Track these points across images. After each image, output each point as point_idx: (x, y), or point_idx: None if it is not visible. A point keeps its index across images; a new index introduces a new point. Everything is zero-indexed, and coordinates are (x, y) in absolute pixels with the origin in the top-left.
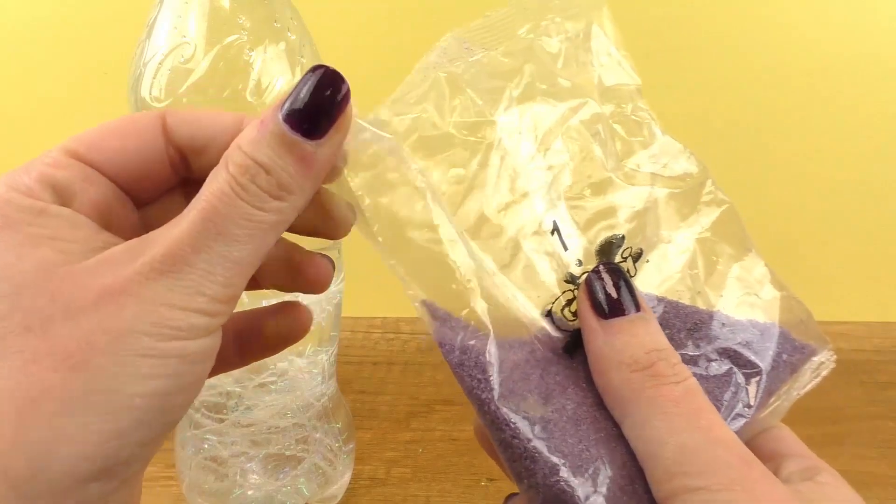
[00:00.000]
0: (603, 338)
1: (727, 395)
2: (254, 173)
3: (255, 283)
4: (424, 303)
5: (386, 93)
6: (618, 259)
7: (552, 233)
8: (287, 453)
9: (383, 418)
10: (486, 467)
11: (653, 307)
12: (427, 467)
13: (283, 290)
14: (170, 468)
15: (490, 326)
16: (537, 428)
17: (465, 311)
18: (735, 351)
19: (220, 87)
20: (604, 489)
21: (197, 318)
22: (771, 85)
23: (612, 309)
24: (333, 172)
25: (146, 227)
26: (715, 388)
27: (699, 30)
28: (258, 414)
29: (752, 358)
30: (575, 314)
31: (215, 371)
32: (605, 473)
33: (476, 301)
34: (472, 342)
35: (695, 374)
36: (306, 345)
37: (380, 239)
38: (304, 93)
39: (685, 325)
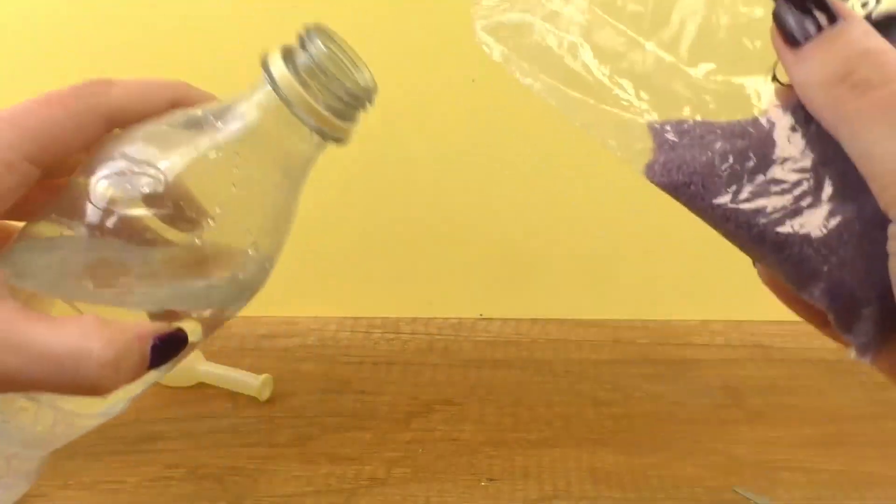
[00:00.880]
0: (798, 66)
1: None
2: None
3: None
4: (651, 126)
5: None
6: None
7: None
8: None
9: (383, 418)
10: (486, 467)
11: None
12: (427, 467)
13: None
14: (170, 468)
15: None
16: None
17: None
18: None
19: None
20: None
21: None
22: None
23: (801, 33)
24: None
25: None
26: None
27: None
28: None
29: None
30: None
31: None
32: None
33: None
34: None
35: None
36: None
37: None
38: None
39: None
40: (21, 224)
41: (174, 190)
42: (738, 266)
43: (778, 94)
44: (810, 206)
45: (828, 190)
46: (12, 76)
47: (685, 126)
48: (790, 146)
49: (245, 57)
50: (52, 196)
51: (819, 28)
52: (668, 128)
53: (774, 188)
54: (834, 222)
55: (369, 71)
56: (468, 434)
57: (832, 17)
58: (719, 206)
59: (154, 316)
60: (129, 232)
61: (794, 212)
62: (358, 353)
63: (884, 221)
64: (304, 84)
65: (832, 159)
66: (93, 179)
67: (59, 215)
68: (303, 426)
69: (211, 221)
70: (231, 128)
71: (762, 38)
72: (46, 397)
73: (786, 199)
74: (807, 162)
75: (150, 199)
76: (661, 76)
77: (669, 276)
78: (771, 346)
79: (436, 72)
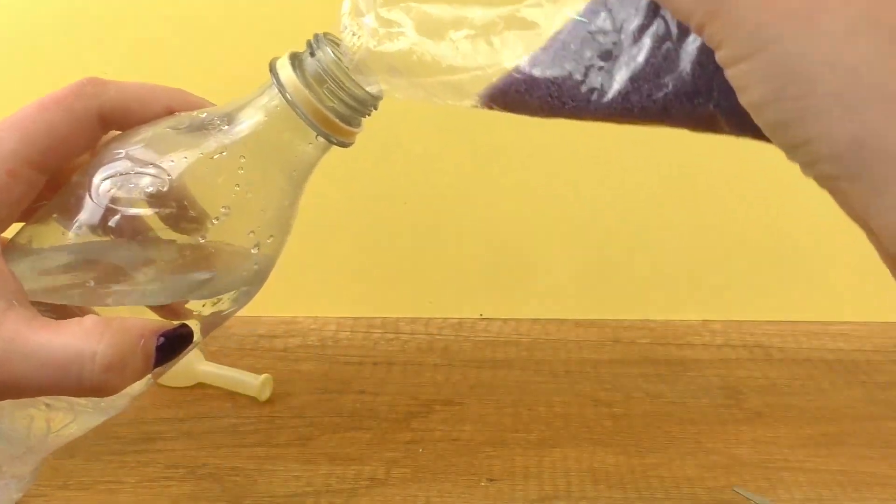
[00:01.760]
0: None
1: None
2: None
3: None
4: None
5: None
6: None
7: None
8: None
9: (383, 418)
10: (486, 467)
11: None
12: (427, 467)
13: None
14: (169, 468)
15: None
16: None
17: None
18: None
19: None
20: None
21: None
22: None
23: None
24: None
25: None
26: None
27: None
28: None
29: None
30: None
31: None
32: None
33: None
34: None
35: None
36: None
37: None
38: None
39: None
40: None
41: (178, 190)
42: (738, 266)
43: None
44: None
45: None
46: (8, 80)
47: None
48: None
49: (243, 65)
50: (53, 197)
51: None
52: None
53: (629, 62)
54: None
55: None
56: (468, 434)
57: None
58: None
59: (154, 311)
60: (133, 231)
61: (655, 73)
62: (358, 353)
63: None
64: (310, 88)
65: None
66: (96, 180)
67: (61, 216)
68: (303, 426)
69: (215, 221)
70: (236, 130)
71: None
72: (50, 400)
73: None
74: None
75: (154, 199)
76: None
77: (669, 276)
78: (771, 346)
79: None
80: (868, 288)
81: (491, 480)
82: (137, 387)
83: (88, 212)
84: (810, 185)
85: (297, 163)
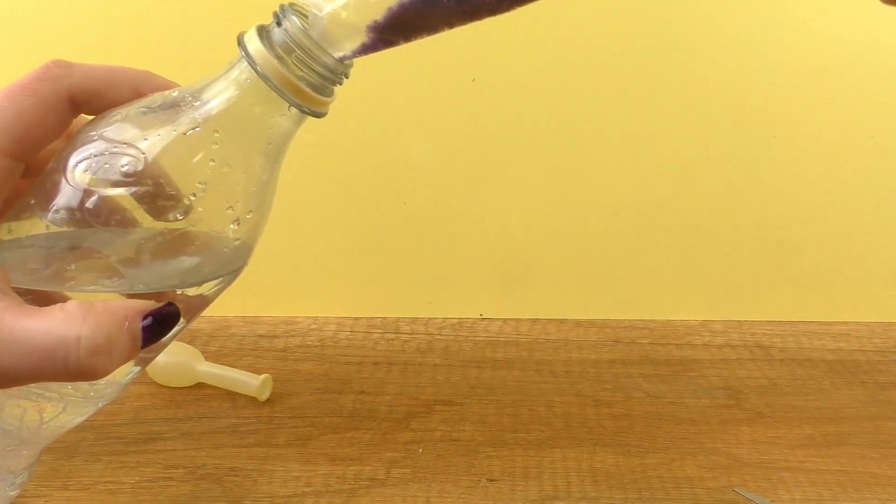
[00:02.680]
0: None
1: None
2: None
3: None
4: None
5: None
6: None
7: None
8: None
9: (383, 418)
10: (486, 467)
11: None
12: (427, 468)
13: None
14: (169, 468)
15: None
16: None
17: None
18: None
19: None
20: None
21: None
22: (771, 83)
23: None
24: None
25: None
26: None
27: (700, 26)
28: None
29: None
30: None
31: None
32: None
33: None
34: None
35: None
36: None
37: None
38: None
39: None
40: None
41: (154, 168)
42: (738, 266)
43: None
44: None
45: None
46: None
47: None
48: None
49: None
50: (31, 183)
51: None
52: None
53: None
54: None
55: None
56: (468, 434)
57: None
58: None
59: (136, 295)
60: (110, 212)
61: None
62: (358, 353)
63: None
64: (279, 59)
65: None
66: (71, 163)
67: (39, 202)
68: (302, 426)
69: (192, 198)
70: (209, 106)
71: None
72: (40, 389)
73: None
74: None
75: (130, 178)
76: None
77: (669, 276)
78: (771, 346)
79: (436, 72)
80: (868, 288)
81: (491, 481)
82: (125, 373)
83: (66, 196)
84: (810, 185)
85: (272, 136)
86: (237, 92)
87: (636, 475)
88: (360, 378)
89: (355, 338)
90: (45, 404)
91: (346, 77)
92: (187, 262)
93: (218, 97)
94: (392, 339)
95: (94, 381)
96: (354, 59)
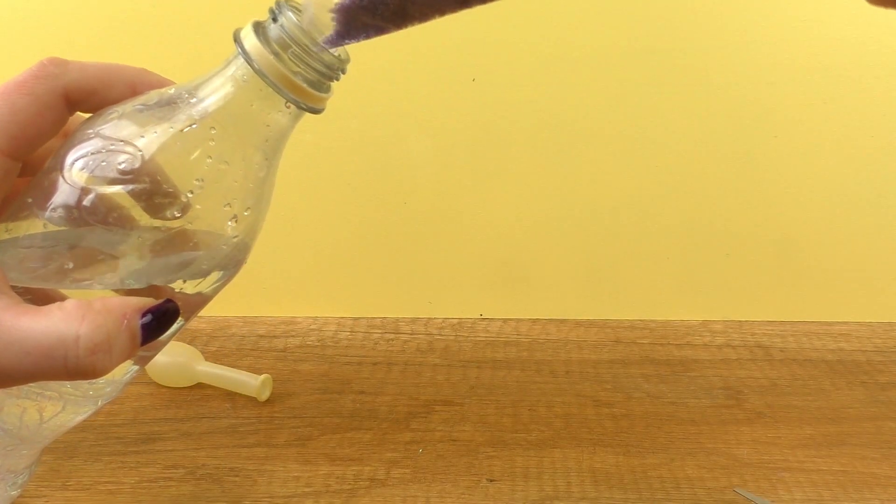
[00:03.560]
0: None
1: None
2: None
3: None
4: None
5: None
6: None
7: None
8: None
9: (383, 418)
10: (486, 467)
11: None
12: (427, 468)
13: None
14: (169, 469)
15: None
16: None
17: None
18: None
19: None
20: None
21: None
22: (771, 83)
23: None
24: None
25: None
26: None
27: (701, 26)
28: None
29: None
30: None
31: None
32: None
33: None
34: None
35: None
36: None
37: None
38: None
39: None
40: None
41: (151, 165)
42: (738, 266)
43: None
44: None
45: None
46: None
47: None
48: None
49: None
50: (28, 182)
51: None
52: None
53: None
54: None
55: None
56: (468, 434)
57: None
58: None
59: (134, 292)
60: (108, 210)
61: None
62: (358, 353)
63: None
64: (276, 55)
65: None
66: (68, 161)
67: (36, 200)
68: (302, 426)
69: (189, 195)
70: (206, 103)
71: None
72: (39, 388)
73: None
74: None
75: (127, 175)
76: None
77: (669, 276)
78: (771, 346)
79: (436, 71)
80: (869, 288)
81: (491, 481)
82: (125, 372)
83: (63, 194)
84: (810, 185)
85: (269, 132)
86: (234, 88)
87: (636, 475)
88: (360, 378)
89: (355, 338)
90: (45, 403)
91: (343, 73)
92: (185, 259)
93: (214, 94)
94: (392, 340)
95: (94, 380)
96: (352, 60)
